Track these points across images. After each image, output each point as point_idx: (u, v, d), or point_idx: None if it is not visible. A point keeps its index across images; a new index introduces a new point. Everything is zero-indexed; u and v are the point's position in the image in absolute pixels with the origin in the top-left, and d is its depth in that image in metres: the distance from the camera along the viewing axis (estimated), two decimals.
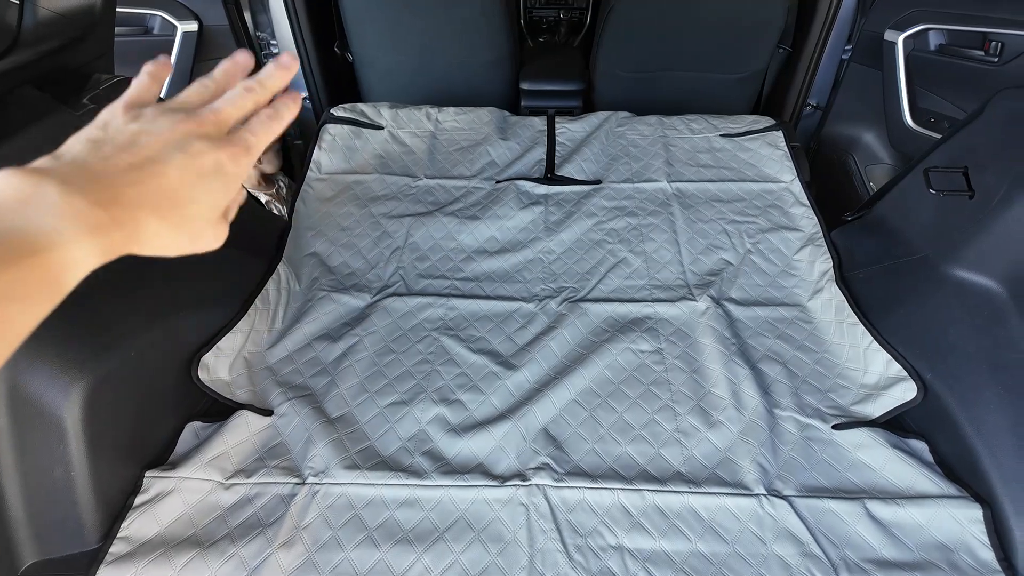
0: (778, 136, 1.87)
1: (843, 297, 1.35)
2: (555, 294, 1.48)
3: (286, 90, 0.47)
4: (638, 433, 1.16)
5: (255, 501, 1.06)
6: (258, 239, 1.52)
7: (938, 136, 1.77)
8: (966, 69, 1.74)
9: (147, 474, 1.08)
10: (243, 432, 1.16)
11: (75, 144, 0.37)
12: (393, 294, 1.48)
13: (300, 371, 1.31)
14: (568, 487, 1.07)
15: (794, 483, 1.06)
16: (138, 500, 1.05)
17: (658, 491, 1.06)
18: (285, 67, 0.46)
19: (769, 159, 1.82)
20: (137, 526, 1.03)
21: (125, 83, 1.19)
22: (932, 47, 1.84)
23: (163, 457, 1.13)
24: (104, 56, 1.21)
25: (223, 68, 0.46)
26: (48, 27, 1.08)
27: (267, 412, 1.21)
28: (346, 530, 1.02)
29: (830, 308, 1.38)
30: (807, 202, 1.67)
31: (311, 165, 1.84)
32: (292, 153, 2.59)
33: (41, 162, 0.36)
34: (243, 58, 0.46)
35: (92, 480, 0.99)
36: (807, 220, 1.62)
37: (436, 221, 1.67)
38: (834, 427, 1.15)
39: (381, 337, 1.38)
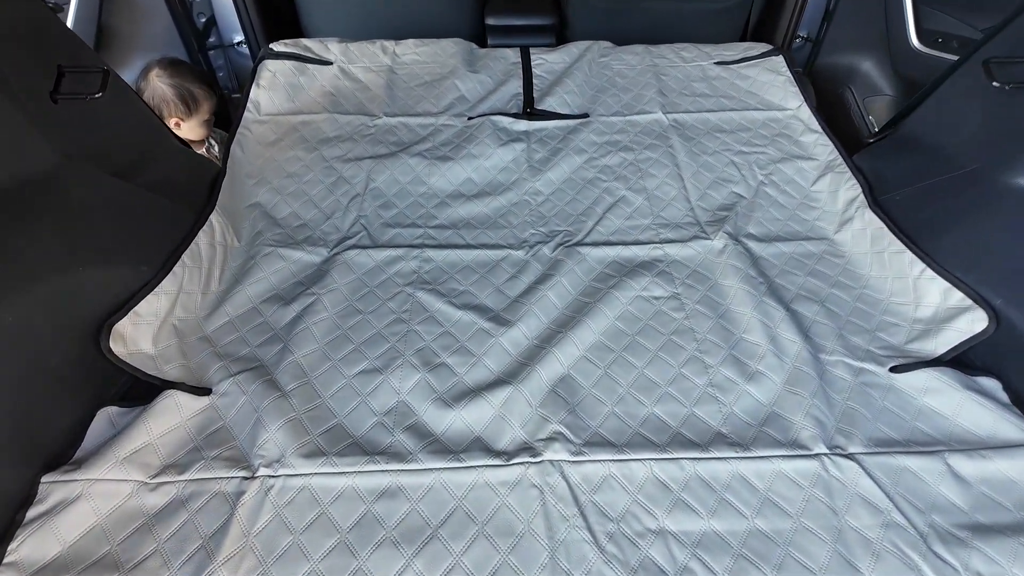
0: (778, 61, 1.69)
1: (881, 224, 1.18)
2: (547, 239, 1.26)
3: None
4: (665, 391, 0.96)
5: (190, 503, 0.82)
6: (185, 185, 1.24)
7: (950, 57, 1.62)
8: None
9: (43, 479, 0.83)
10: (173, 417, 0.91)
11: None
12: (355, 246, 1.23)
13: (245, 339, 1.06)
14: (589, 460, 0.86)
15: (859, 437, 0.89)
16: (31, 513, 0.80)
17: (699, 459, 0.86)
18: None
19: (771, 86, 1.64)
20: (31, 546, 0.77)
21: None
22: None
23: (66, 455, 0.87)
24: None
25: None
26: None
27: (204, 391, 0.96)
28: (311, 534, 0.79)
29: (864, 238, 1.20)
30: (819, 128, 1.49)
31: (248, 106, 1.56)
32: (230, 107, 2.27)
33: None
34: None
35: None
36: (821, 147, 1.45)
37: (401, 163, 1.42)
38: (892, 369, 0.98)
39: (343, 296, 1.13)
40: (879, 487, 0.82)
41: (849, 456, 0.86)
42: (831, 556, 0.77)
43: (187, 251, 1.12)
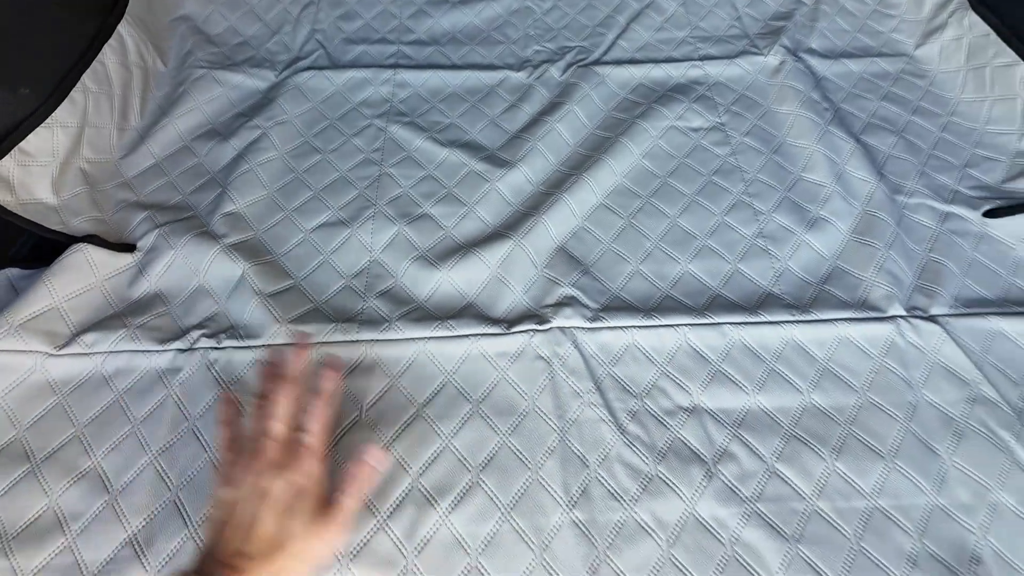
0: None
1: (986, 30, 0.92)
2: (556, 57, 1.00)
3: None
4: (703, 243, 0.77)
5: (116, 381, 0.66)
6: None
7: None
8: None
9: None
10: (84, 276, 0.72)
11: (208, 534, 0.48)
12: (310, 67, 0.97)
13: (176, 185, 0.84)
14: (609, 327, 0.70)
15: (944, 296, 0.71)
16: None
17: (745, 323, 0.70)
18: (297, 354, 0.58)
19: None
20: None
21: None
22: None
23: None
24: None
25: (265, 385, 0.55)
26: None
27: (125, 247, 0.76)
28: None
29: (958, 51, 0.95)
30: None
31: None
32: None
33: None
34: (277, 360, 0.57)
35: None
36: None
37: None
38: (986, 214, 0.78)
39: (297, 130, 0.90)
40: (966, 355, 0.67)
41: (931, 319, 0.69)
42: (903, 436, 0.63)
43: (89, 72, 0.86)
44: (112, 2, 0.96)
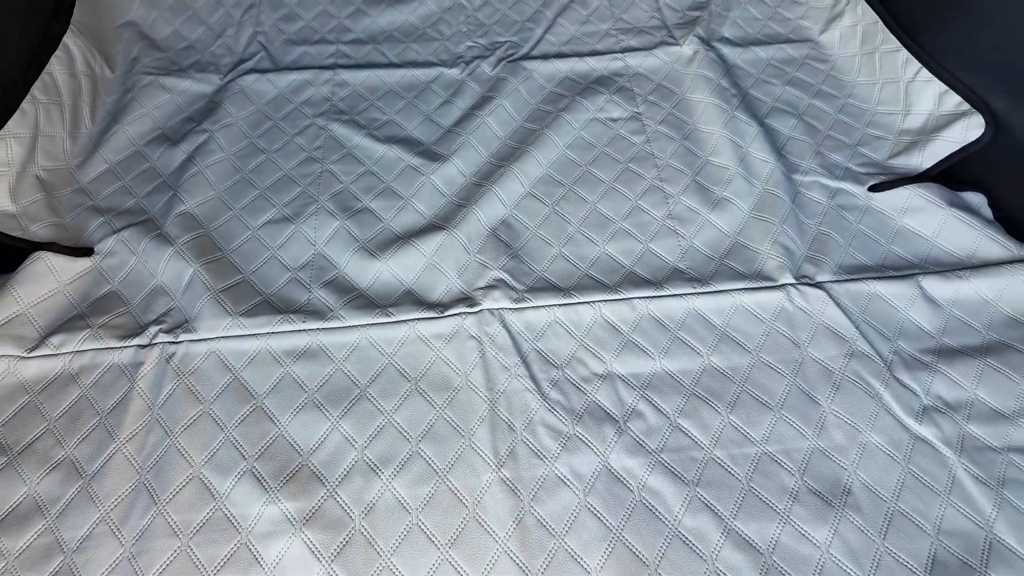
0: None
1: (875, 18, 1.00)
2: (487, 52, 1.05)
3: None
4: (619, 226, 0.85)
5: (82, 378, 0.72)
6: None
7: None
8: None
9: None
10: (48, 283, 0.77)
11: None
12: (253, 70, 1.02)
13: (130, 189, 0.89)
14: (532, 307, 0.77)
15: (829, 265, 0.80)
16: None
17: (653, 297, 0.78)
18: None
19: None
20: None
21: None
22: None
23: None
24: None
25: None
26: None
27: (84, 251, 0.82)
28: (223, 402, 0.71)
29: (853, 37, 1.03)
30: None
31: None
32: None
33: None
34: None
35: None
36: None
37: None
38: (871, 188, 0.87)
39: (242, 132, 0.95)
40: (846, 316, 0.76)
41: (817, 285, 0.78)
42: (789, 390, 0.72)
43: (38, 83, 0.90)
44: (54, 8, 0.99)
